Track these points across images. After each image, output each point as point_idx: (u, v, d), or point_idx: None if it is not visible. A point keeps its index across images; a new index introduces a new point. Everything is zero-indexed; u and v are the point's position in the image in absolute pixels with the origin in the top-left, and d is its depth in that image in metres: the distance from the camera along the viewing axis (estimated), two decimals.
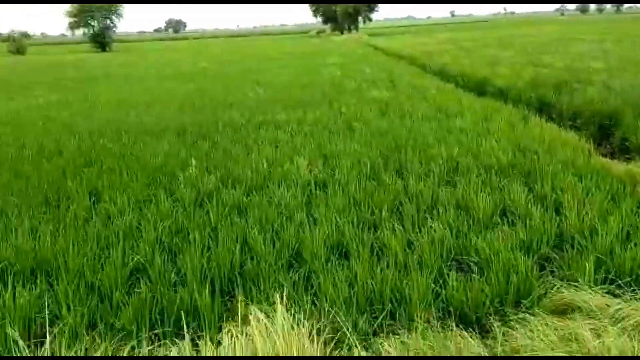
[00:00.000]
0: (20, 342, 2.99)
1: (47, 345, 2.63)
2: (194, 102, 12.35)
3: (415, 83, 14.27)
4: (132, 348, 2.78)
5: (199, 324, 3.15)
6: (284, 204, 5.08)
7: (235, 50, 38.28)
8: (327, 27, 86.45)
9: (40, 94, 14.86)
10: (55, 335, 2.97)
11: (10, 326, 3.12)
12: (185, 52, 38.64)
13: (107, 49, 44.80)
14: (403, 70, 18.42)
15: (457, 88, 13.22)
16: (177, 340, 2.87)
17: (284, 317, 2.42)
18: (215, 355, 2.46)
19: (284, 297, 2.67)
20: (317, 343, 2.45)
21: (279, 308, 2.48)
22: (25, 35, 47.94)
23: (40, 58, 36.12)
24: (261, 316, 2.43)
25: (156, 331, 3.13)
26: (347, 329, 2.68)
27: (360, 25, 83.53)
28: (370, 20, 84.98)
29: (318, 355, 2.36)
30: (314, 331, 2.50)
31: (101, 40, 45.49)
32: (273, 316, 2.46)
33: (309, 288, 3.48)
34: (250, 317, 2.47)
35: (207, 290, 3.39)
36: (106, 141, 8.25)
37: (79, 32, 50.82)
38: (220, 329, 3.10)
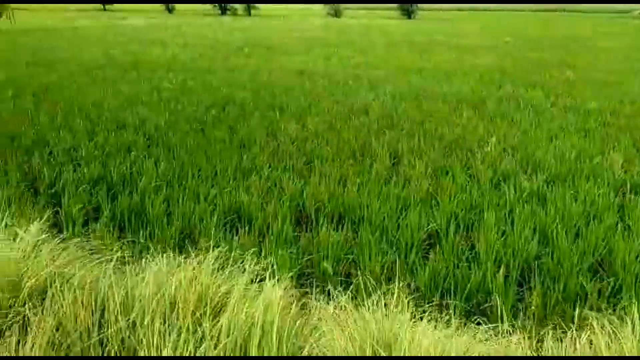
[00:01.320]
0: (330, 271, 3.43)
1: (354, 283, 2.94)
2: (492, 77, 12.01)
3: None
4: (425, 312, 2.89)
5: (490, 308, 3.12)
6: (590, 201, 4.61)
7: (540, 25, 35.70)
8: None
9: (352, 55, 16.31)
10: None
11: (324, 260, 3.58)
12: (486, 23, 37.66)
13: (412, 17, 46.53)
14: None
15: None
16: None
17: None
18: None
19: (635, 312, 2.42)
20: None
21: (629, 323, 2.25)
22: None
23: (353, 22, 39.48)
24: (608, 326, 2.24)
25: (447, 301, 3.22)
26: None
27: None
28: None
29: None
30: None
31: (407, 9, 47.50)
32: (620, 327, 2.24)
33: (616, 303, 3.11)
34: (594, 323, 2.30)
35: (501, 274, 3.32)
36: (407, 106, 8.65)
37: None
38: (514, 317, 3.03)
